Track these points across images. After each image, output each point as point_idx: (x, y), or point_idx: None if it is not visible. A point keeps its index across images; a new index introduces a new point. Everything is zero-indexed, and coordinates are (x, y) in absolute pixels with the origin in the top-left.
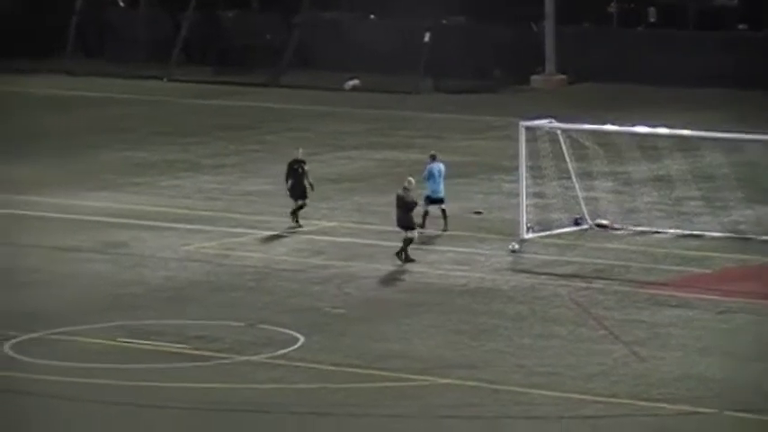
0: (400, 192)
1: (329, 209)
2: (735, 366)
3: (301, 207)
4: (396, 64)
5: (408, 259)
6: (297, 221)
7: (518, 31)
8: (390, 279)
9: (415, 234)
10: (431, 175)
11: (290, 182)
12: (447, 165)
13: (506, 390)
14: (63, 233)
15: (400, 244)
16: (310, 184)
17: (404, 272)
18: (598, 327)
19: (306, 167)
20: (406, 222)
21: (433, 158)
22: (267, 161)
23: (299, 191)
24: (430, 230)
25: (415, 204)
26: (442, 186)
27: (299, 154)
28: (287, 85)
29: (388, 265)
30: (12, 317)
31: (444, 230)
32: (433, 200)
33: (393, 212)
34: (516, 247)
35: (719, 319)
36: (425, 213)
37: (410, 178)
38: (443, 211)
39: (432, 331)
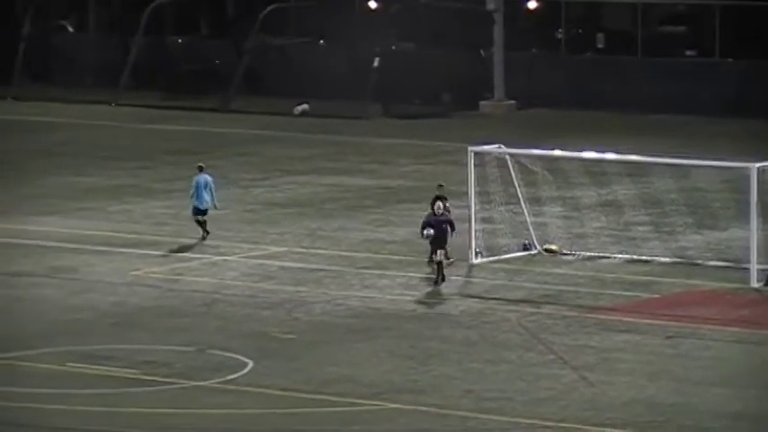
0: (432, 218)
1: (278, 234)
2: (683, 391)
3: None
4: (345, 89)
5: (442, 278)
6: (447, 257)
7: (467, 56)
8: (340, 304)
9: (440, 256)
10: (197, 187)
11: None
12: (395, 190)
13: (455, 414)
14: (11, 258)
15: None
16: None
17: (353, 297)
18: (547, 352)
19: (447, 204)
20: (441, 244)
21: (201, 170)
22: (216, 186)
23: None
24: (187, 239)
25: (452, 227)
26: (207, 197)
27: (443, 191)
28: (236, 111)
29: (338, 290)
30: None
31: (203, 239)
32: (198, 210)
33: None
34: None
35: (668, 345)
36: (198, 222)
37: (439, 203)
38: (204, 221)
39: (381, 356)
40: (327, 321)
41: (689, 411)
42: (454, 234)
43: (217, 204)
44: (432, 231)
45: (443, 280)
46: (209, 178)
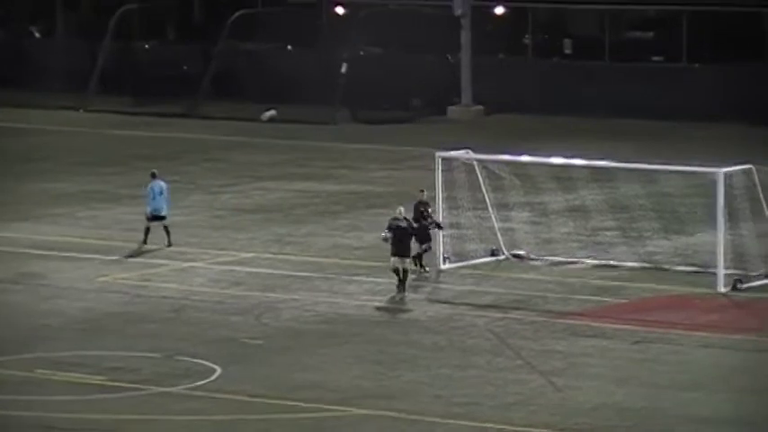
0: (393, 223)
1: (247, 239)
2: (651, 396)
3: (425, 251)
4: (313, 95)
5: (403, 288)
6: (421, 266)
7: (434, 62)
8: (308, 310)
9: (399, 263)
10: (152, 194)
11: (417, 225)
12: (363, 196)
13: (424, 420)
14: None
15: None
16: (436, 224)
17: (322, 303)
18: (515, 357)
19: (430, 210)
20: (402, 251)
21: (154, 176)
22: (185, 192)
23: (423, 234)
24: (152, 245)
25: (412, 231)
26: (163, 204)
27: (424, 196)
28: (204, 116)
29: (306, 296)
30: None
31: (168, 245)
32: (155, 217)
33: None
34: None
35: (635, 349)
36: (147, 230)
37: (400, 208)
38: (165, 227)
39: (350, 361)
40: (296, 327)
41: (658, 416)
42: (421, 238)
43: (168, 212)
44: (388, 234)
45: (402, 290)
46: (163, 185)
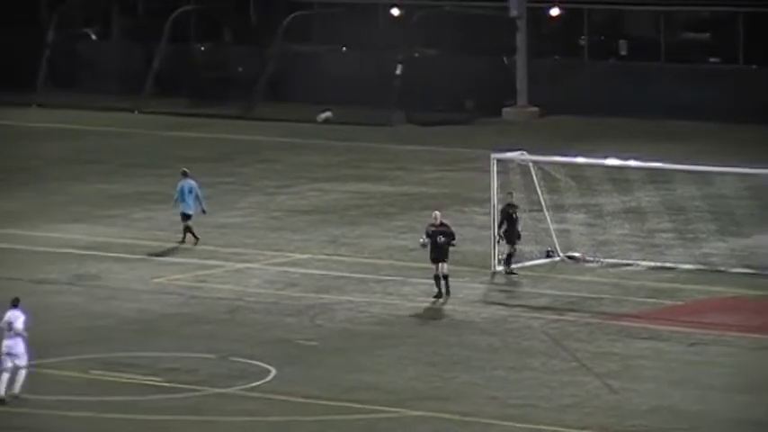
0: (429, 228)
1: (302, 240)
2: (707, 398)
3: (510, 254)
4: (368, 96)
5: (447, 292)
6: (508, 266)
7: (490, 63)
8: (363, 311)
9: (442, 270)
10: (182, 192)
11: (504, 227)
12: (418, 197)
13: (479, 422)
14: (35, 265)
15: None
16: (517, 232)
17: (376, 304)
18: (570, 359)
19: (519, 213)
20: (439, 256)
21: (185, 175)
22: (239, 193)
23: (513, 236)
24: (188, 245)
25: (452, 236)
26: (191, 202)
27: (513, 198)
28: (259, 118)
29: (361, 297)
30: None
31: (182, 242)
32: (184, 215)
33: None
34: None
35: (691, 352)
36: (185, 228)
37: (436, 213)
38: (189, 227)
39: (404, 363)
40: (350, 328)
41: (713, 419)
42: (454, 243)
43: (205, 208)
44: (426, 240)
45: (448, 294)
46: (193, 183)
